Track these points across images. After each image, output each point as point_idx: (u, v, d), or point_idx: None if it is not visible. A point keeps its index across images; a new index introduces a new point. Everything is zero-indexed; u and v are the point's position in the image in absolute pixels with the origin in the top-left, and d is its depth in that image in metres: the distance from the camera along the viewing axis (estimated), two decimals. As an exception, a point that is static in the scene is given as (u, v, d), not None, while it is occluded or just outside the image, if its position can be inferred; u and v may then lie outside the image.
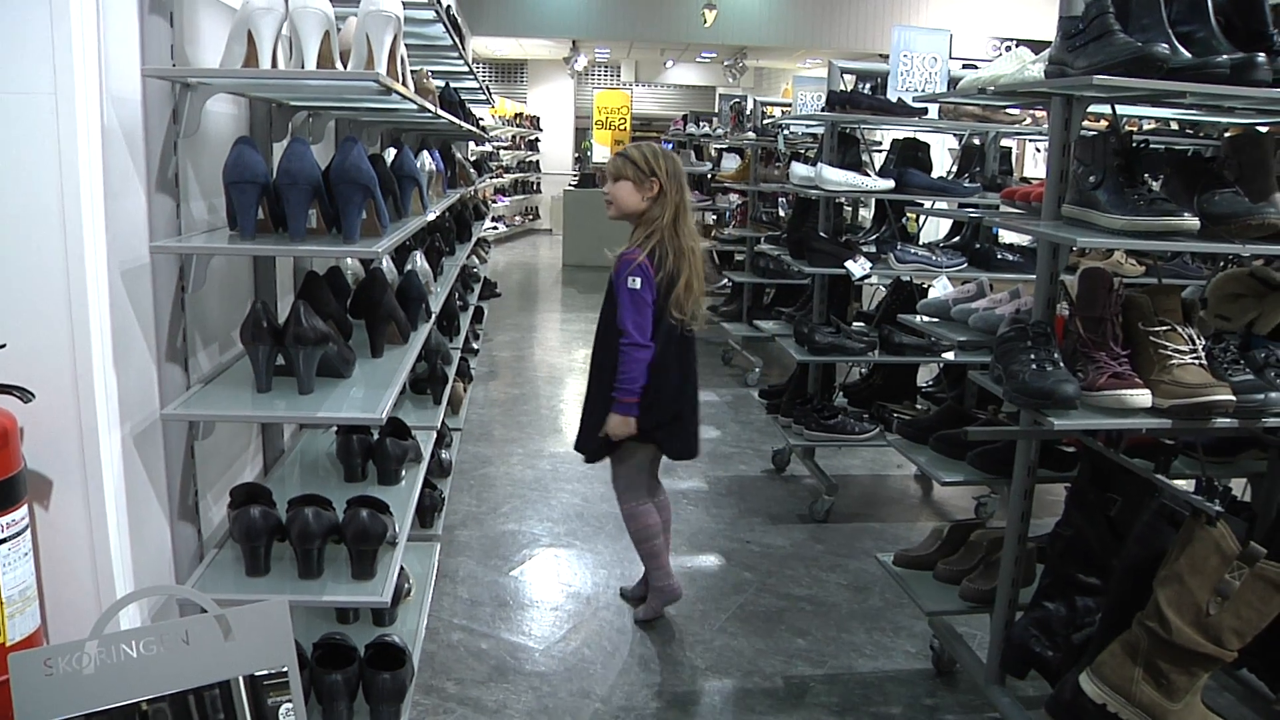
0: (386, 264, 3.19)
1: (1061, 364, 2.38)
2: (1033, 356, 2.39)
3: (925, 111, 4.65)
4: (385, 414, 2.16)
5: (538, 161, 18.48)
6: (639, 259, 3.18)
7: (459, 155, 5.95)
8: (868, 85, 5.42)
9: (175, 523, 2.31)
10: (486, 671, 3.14)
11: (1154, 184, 2.42)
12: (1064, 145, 2.51)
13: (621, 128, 17.49)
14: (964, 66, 4.92)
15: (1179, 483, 2.51)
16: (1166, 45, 2.14)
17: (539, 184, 18.51)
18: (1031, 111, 4.69)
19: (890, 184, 4.49)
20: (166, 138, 2.19)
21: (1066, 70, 2.28)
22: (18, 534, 1.81)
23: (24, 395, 1.83)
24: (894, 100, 4.64)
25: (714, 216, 9.92)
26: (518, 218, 17.35)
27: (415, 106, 2.83)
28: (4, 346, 1.84)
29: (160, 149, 2.17)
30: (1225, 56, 2.13)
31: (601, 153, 17.04)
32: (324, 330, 2.20)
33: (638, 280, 3.16)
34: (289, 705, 1.86)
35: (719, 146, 9.44)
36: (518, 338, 8.54)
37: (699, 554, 4.14)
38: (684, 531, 4.34)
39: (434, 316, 3.31)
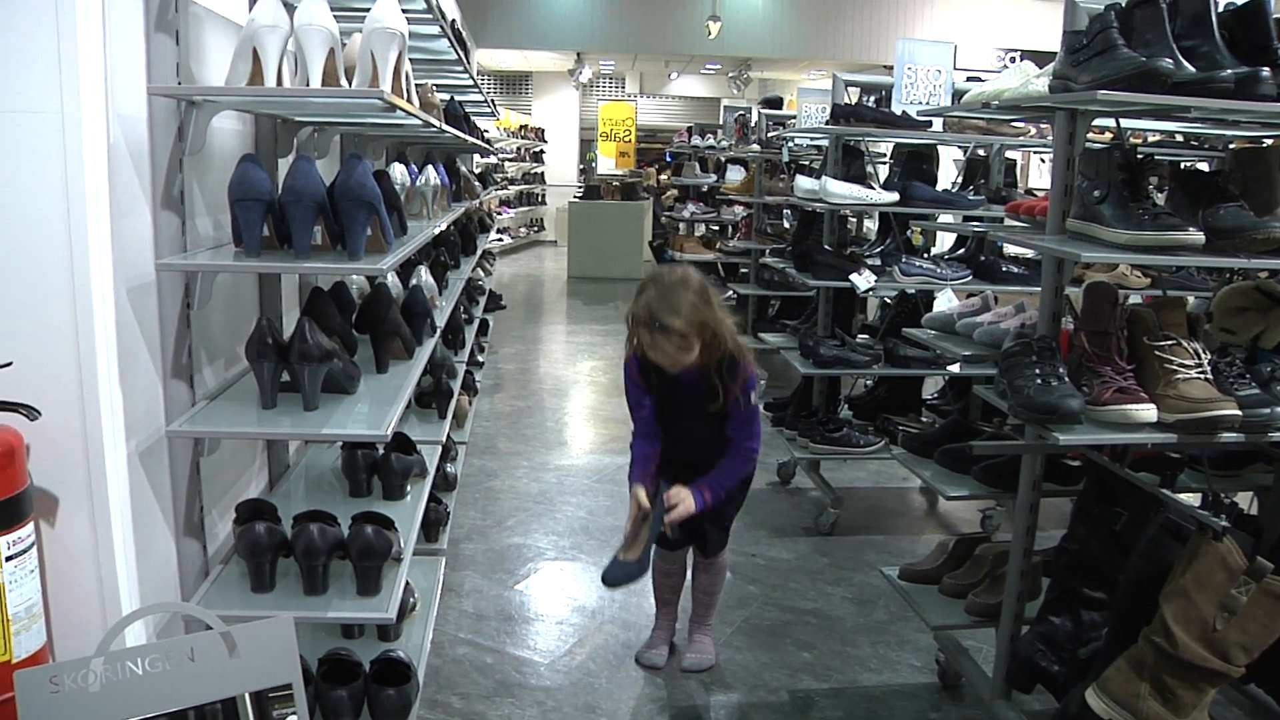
0: (391, 279, 3.20)
1: (1066, 378, 2.38)
2: (1037, 371, 2.39)
3: (930, 124, 4.65)
4: (390, 430, 2.16)
5: (542, 173, 18.50)
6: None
7: (464, 168, 5.97)
8: (872, 98, 5.43)
9: (180, 539, 2.31)
10: (491, 686, 3.14)
11: (1159, 197, 2.42)
12: (1068, 159, 2.51)
13: (626, 139, 17.54)
14: (969, 79, 4.92)
15: (1184, 496, 2.51)
16: (1170, 60, 2.14)
17: (544, 196, 18.53)
18: (1038, 124, 4.70)
19: (894, 197, 4.49)
20: (172, 155, 2.20)
21: (1070, 85, 2.29)
22: (24, 551, 1.81)
23: (30, 413, 1.83)
24: (898, 113, 4.65)
25: (717, 228, 9.93)
26: (522, 230, 17.37)
27: (420, 122, 2.84)
28: (10, 365, 1.85)
29: (166, 166, 2.18)
30: (1229, 71, 2.13)
31: (606, 165, 17.08)
32: (328, 347, 2.21)
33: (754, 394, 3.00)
34: (294, 718, 1.87)
35: (723, 158, 9.46)
36: (523, 350, 8.55)
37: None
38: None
39: (439, 331, 3.31)
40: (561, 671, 3.26)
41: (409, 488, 2.87)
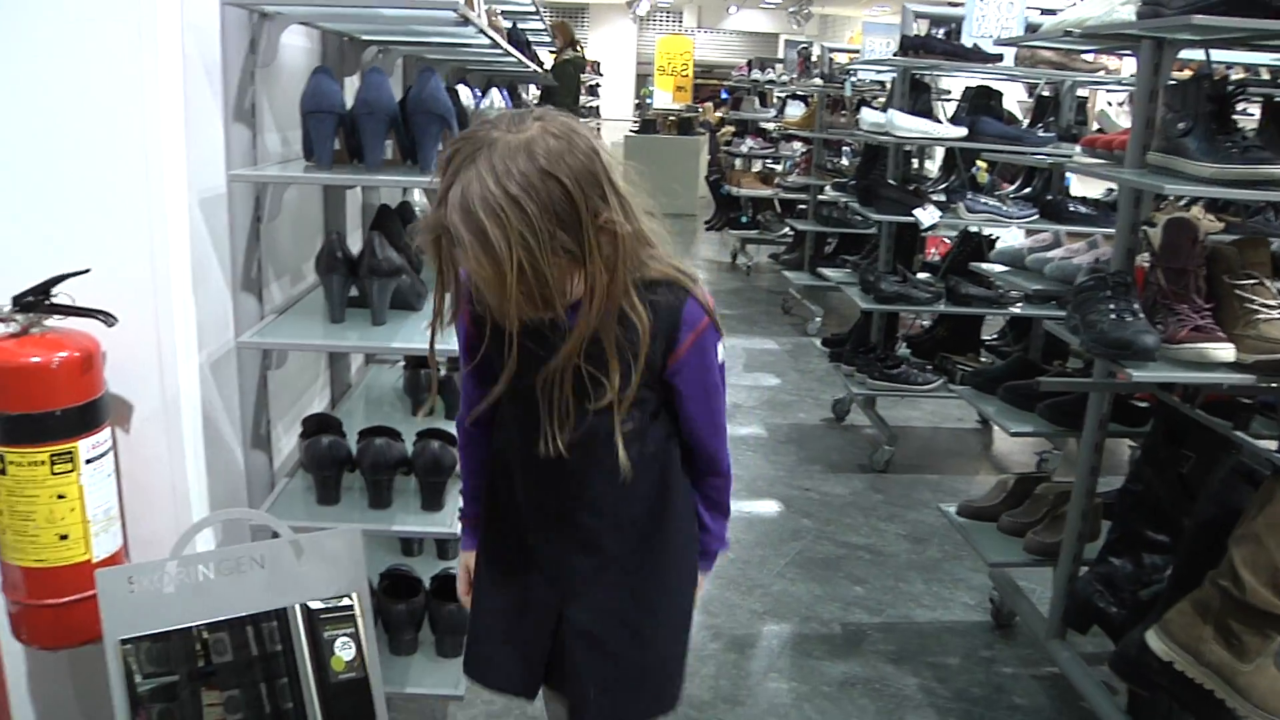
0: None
1: (1142, 315, 2.33)
2: (1112, 306, 2.34)
3: (1000, 57, 4.54)
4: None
5: (598, 107, 18.35)
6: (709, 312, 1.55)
7: (525, 96, 5.92)
8: (942, 30, 5.30)
9: (248, 450, 2.34)
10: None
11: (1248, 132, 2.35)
12: (1152, 90, 2.44)
13: (684, 74, 17.33)
14: (1042, 13, 4.78)
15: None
16: (1272, -17, 2.06)
17: (598, 130, 18.40)
18: (1104, 61, 4.57)
19: (963, 131, 4.40)
20: (244, 68, 2.20)
21: (1161, 10, 2.21)
22: (102, 455, 1.85)
23: (108, 319, 1.86)
24: (969, 45, 4.53)
25: (775, 164, 9.82)
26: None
27: (488, 41, 2.80)
28: (88, 271, 1.87)
29: (238, 79, 2.18)
30: (1335, -6, 2.04)
31: (663, 99, 16.89)
32: (398, 262, 2.21)
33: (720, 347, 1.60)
34: (346, 639, 1.90)
35: (782, 94, 9.32)
36: (576, 282, 8.54)
37: (758, 499, 4.14)
38: (743, 477, 4.33)
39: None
40: (615, 596, 3.29)
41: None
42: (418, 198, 3.33)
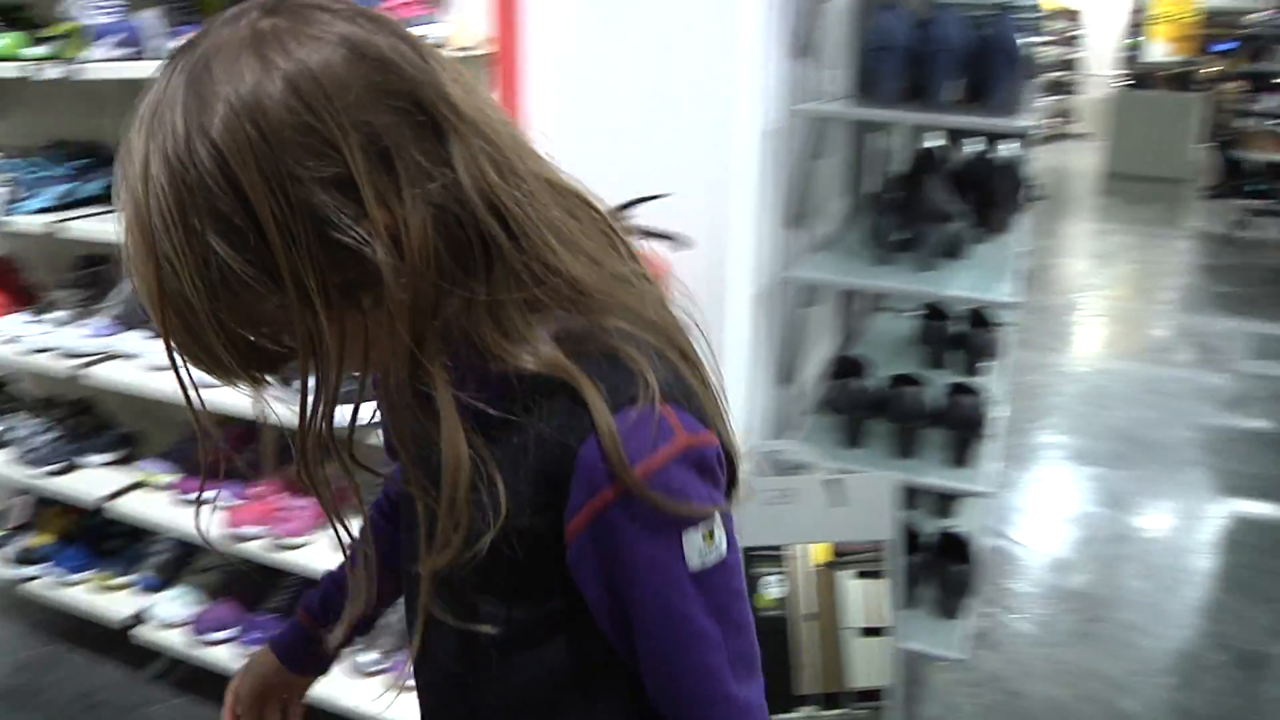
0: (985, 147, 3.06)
1: None
2: None
3: None
4: (1013, 298, 2.07)
5: (1076, 60, 17.09)
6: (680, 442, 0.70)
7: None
8: None
9: (778, 385, 2.38)
10: (1029, 583, 3.05)
11: None
12: None
13: (1185, 21, 15.71)
14: None
15: None
16: None
17: (1077, 85, 17.16)
18: None
19: None
20: (808, 5, 2.20)
21: None
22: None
23: (682, 243, 1.93)
24: None
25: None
26: (1056, 119, 16.24)
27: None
28: (669, 195, 1.95)
29: (802, 15, 2.19)
30: None
31: (1157, 51, 15.42)
32: (952, 208, 2.15)
33: (709, 529, 0.72)
34: (774, 577, 1.93)
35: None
36: (1055, 244, 8.06)
37: (1270, 501, 3.69)
38: (1251, 474, 3.88)
39: (1025, 206, 3.13)
40: (1103, 582, 3.09)
41: (983, 365, 2.77)
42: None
